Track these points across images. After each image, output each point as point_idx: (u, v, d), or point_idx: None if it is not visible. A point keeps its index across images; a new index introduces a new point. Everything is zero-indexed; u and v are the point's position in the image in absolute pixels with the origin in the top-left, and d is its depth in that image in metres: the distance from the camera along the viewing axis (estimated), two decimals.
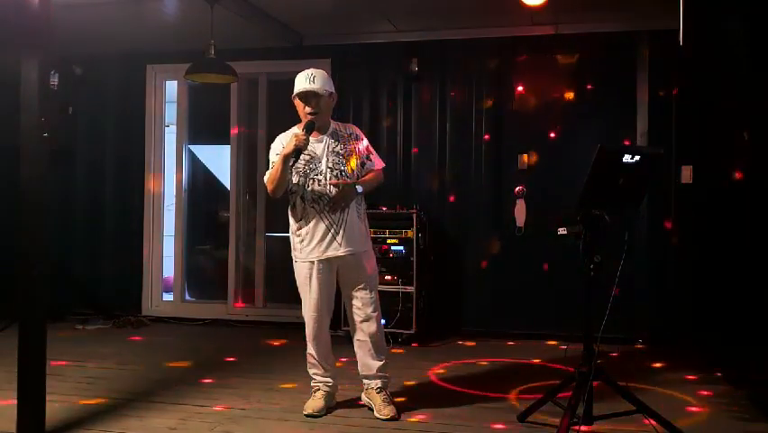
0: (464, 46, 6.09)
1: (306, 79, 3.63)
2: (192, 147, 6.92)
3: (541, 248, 5.82)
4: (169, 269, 6.88)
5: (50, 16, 3.36)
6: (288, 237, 3.85)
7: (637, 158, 3.29)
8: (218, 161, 7.13)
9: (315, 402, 3.74)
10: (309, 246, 3.68)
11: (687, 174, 5.65)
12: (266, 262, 6.60)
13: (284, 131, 3.82)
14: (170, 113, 6.89)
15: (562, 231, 3.45)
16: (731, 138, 5.49)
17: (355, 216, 3.72)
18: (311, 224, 3.66)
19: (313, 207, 3.65)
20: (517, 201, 5.92)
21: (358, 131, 3.85)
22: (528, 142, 5.98)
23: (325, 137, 3.71)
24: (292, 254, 3.81)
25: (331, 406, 3.80)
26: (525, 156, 5.95)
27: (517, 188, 5.93)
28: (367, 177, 3.80)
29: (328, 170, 3.65)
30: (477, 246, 6.06)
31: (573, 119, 5.90)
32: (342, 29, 6.11)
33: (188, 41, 5.86)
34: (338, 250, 3.66)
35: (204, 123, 6.97)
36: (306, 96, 3.64)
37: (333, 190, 3.63)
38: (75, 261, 6.80)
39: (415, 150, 6.20)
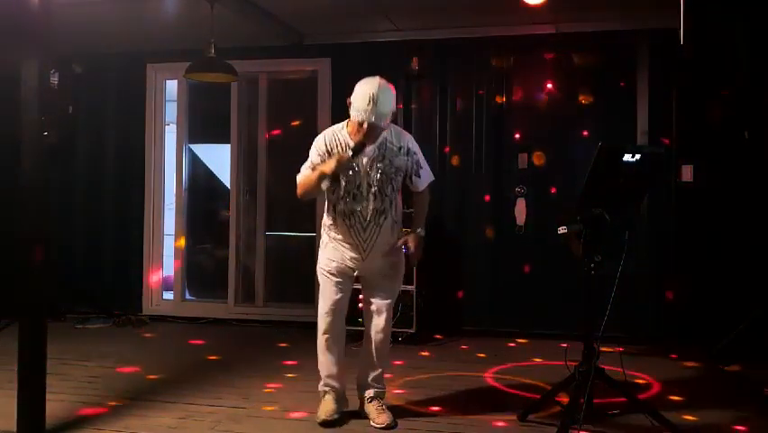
0: (465, 45, 6.09)
1: (369, 105, 3.24)
2: (192, 146, 6.92)
3: (541, 247, 5.82)
4: (169, 268, 6.88)
5: (49, 15, 3.36)
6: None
7: (638, 157, 3.30)
8: (218, 159, 7.12)
9: (326, 406, 3.62)
10: (335, 252, 3.55)
11: (687, 173, 5.65)
12: (266, 261, 6.61)
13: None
14: (170, 112, 6.89)
15: (562, 230, 3.45)
16: (731, 137, 5.49)
17: (387, 237, 3.53)
18: (340, 234, 3.52)
19: (344, 220, 3.48)
20: (517, 200, 5.92)
21: (411, 143, 3.54)
22: (528, 141, 5.98)
23: (373, 149, 3.41)
24: (320, 244, 3.67)
25: (343, 410, 3.67)
26: (526, 155, 5.95)
27: (517, 188, 5.93)
28: (418, 213, 3.65)
29: (367, 186, 3.44)
30: (477, 245, 6.06)
31: (574, 118, 5.90)
32: (342, 28, 6.11)
33: (188, 40, 5.86)
34: (361, 262, 3.54)
35: (204, 122, 6.97)
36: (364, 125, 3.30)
37: (366, 204, 3.43)
38: (75, 260, 6.80)
39: None
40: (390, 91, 3.34)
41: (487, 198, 6.05)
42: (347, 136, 3.43)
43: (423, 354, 5.29)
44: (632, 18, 5.61)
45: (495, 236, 6.02)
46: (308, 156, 3.51)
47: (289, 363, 4.91)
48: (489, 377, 4.61)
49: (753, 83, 5.35)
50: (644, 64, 5.76)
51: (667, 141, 5.67)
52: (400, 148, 3.49)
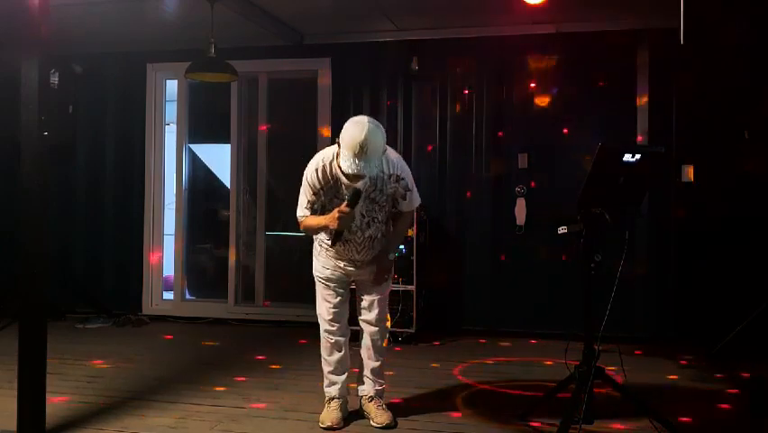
0: (465, 45, 6.09)
1: (358, 165, 3.08)
2: (192, 146, 6.92)
3: (541, 247, 5.82)
4: (169, 268, 6.88)
5: (49, 15, 3.36)
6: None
7: (638, 157, 3.29)
8: (218, 159, 7.12)
9: (331, 414, 3.58)
10: (329, 261, 3.56)
11: (687, 173, 5.65)
12: (266, 260, 6.60)
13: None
14: (170, 112, 6.89)
15: (562, 230, 3.45)
16: (731, 137, 5.50)
17: (379, 254, 3.55)
18: (333, 255, 3.53)
19: (339, 246, 3.46)
20: (517, 200, 5.93)
21: (401, 169, 3.42)
22: (528, 141, 5.98)
23: (365, 181, 3.25)
24: (313, 252, 3.67)
25: (346, 417, 3.64)
26: (526, 155, 5.95)
27: (517, 188, 5.93)
28: (395, 236, 3.63)
29: (360, 216, 3.39)
30: (477, 245, 6.06)
31: (574, 118, 5.90)
32: (342, 27, 6.11)
33: (189, 40, 5.87)
34: (355, 271, 3.57)
35: (204, 121, 6.97)
36: (354, 177, 3.18)
37: (360, 234, 3.42)
38: (75, 260, 6.80)
39: (415, 149, 6.19)
40: (379, 132, 3.15)
41: (486, 197, 6.05)
42: (338, 171, 3.26)
43: (422, 354, 5.29)
44: (632, 18, 5.61)
45: (495, 236, 6.02)
46: (301, 193, 3.43)
47: (289, 363, 4.91)
48: (489, 377, 4.60)
49: (753, 82, 5.36)
50: (645, 64, 5.76)
51: (667, 140, 5.65)
52: (390, 176, 3.39)
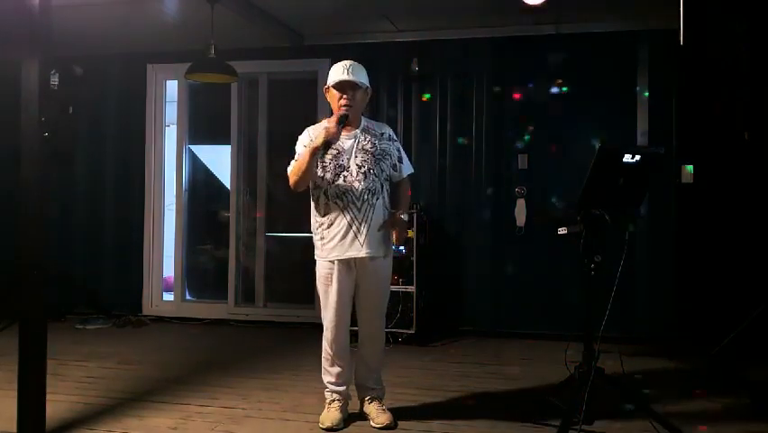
0: (465, 46, 6.10)
1: (344, 71, 3.52)
2: (192, 147, 6.92)
3: (541, 248, 5.82)
4: (169, 268, 6.88)
5: (50, 16, 3.36)
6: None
7: (637, 158, 3.30)
8: (218, 160, 7.13)
9: (331, 414, 3.58)
10: (330, 244, 3.53)
11: (687, 174, 5.65)
12: (266, 261, 6.60)
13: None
14: (171, 113, 6.89)
15: (562, 231, 3.45)
16: (731, 138, 5.50)
17: (381, 218, 3.54)
18: (333, 221, 3.51)
19: (336, 202, 3.50)
20: (517, 201, 5.93)
21: (391, 131, 3.72)
22: (528, 141, 5.98)
23: (356, 132, 3.57)
24: (315, 253, 3.65)
25: (346, 417, 3.63)
26: (526, 156, 5.95)
27: (517, 188, 5.93)
28: (401, 199, 3.69)
29: (356, 167, 3.51)
30: (477, 246, 6.06)
31: (574, 118, 5.90)
32: (342, 29, 6.12)
33: (189, 41, 5.87)
34: (359, 251, 3.49)
35: (204, 122, 6.97)
36: (342, 87, 3.51)
37: (357, 185, 3.48)
38: (75, 261, 6.79)
39: (415, 150, 6.19)
40: (363, 68, 3.62)
41: (487, 198, 6.05)
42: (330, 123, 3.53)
43: (422, 355, 5.29)
44: (632, 18, 5.62)
45: (495, 237, 6.03)
46: (295, 152, 3.60)
47: (289, 363, 4.91)
48: (489, 378, 4.61)
49: (753, 83, 5.36)
50: (644, 64, 5.76)
51: (667, 141, 5.65)
52: (383, 134, 3.65)
